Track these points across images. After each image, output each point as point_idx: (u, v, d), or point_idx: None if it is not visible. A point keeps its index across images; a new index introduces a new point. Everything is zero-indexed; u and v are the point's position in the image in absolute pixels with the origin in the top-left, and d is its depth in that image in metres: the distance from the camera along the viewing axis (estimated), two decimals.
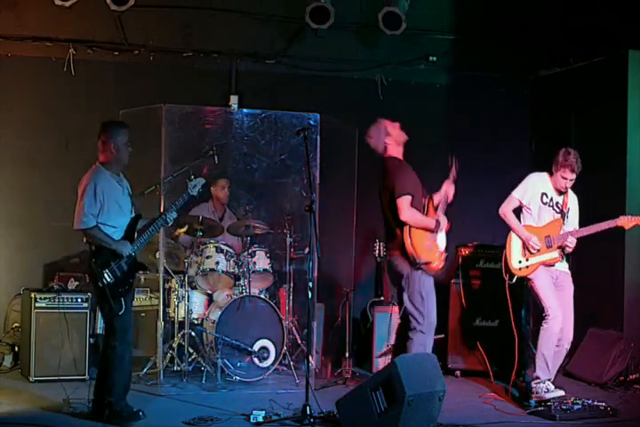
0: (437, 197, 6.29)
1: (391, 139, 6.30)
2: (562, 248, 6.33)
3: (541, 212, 6.42)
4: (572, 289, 6.44)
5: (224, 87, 8.16)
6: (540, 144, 8.54)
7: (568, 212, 6.42)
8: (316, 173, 6.68)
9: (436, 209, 6.23)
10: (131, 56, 7.94)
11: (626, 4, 7.59)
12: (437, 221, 6.13)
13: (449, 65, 8.66)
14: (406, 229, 6.05)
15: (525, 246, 6.36)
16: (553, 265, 6.37)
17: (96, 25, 7.78)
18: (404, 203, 6.04)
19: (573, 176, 6.30)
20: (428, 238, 6.11)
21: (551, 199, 6.41)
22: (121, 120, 5.99)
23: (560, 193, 6.41)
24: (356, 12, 8.25)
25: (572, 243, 6.28)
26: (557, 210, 6.41)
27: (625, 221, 6.26)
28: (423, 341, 6.14)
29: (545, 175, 6.46)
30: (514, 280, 6.37)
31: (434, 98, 8.64)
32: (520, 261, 6.36)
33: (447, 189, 6.29)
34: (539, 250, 6.31)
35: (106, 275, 5.47)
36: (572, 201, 6.50)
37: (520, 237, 6.38)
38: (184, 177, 7.20)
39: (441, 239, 6.20)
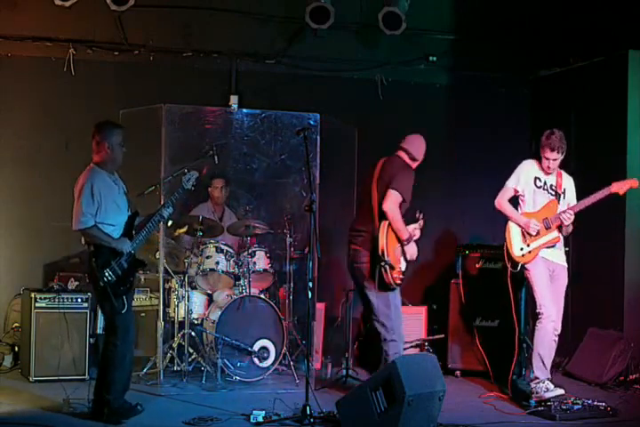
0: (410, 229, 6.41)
1: (419, 156, 6.56)
2: (560, 228, 6.35)
3: (536, 196, 6.44)
4: (565, 282, 6.45)
5: (224, 87, 8.15)
6: (539, 144, 8.52)
7: (564, 192, 6.45)
8: (315, 173, 6.68)
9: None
10: (131, 56, 7.94)
11: (626, 4, 7.59)
12: (410, 236, 6.23)
13: (449, 65, 8.66)
14: (385, 224, 6.15)
15: (525, 233, 6.38)
16: (554, 246, 6.37)
17: (96, 25, 7.77)
18: (393, 196, 6.15)
19: (555, 156, 6.32)
20: (397, 251, 6.23)
21: (544, 182, 6.45)
22: (114, 121, 5.96)
23: (547, 174, 6.44)
24: (356, 12, 8.25)
25: (568, 218, 6.28)
26: (552, 192, 6.45)
27: (618, 187, 6.27)
28: (397, 349, 6.21)
29: (534, 161, 6.52)
30: (518, 268, 6.38)
31: (434, 98, 8.64)
32: (522, 248, 6.38)
33: (414, 232, 6.42)
34: (539, 232, 6.32)
35: (107, 274, 5.48)
36: (567, 181, 6.53)
37: (519, 225, 6.40)
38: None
39: (403, 263, 6.30)
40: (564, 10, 8.34)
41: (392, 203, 6.14)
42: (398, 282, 6.21)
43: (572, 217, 6.29)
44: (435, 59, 8.52)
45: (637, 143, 7.50)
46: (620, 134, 7.51)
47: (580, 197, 6.50)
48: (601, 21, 7.97)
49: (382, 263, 6.09)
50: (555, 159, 6.35)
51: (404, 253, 6.29)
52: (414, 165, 6.52)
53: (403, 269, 6.28)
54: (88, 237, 5.58)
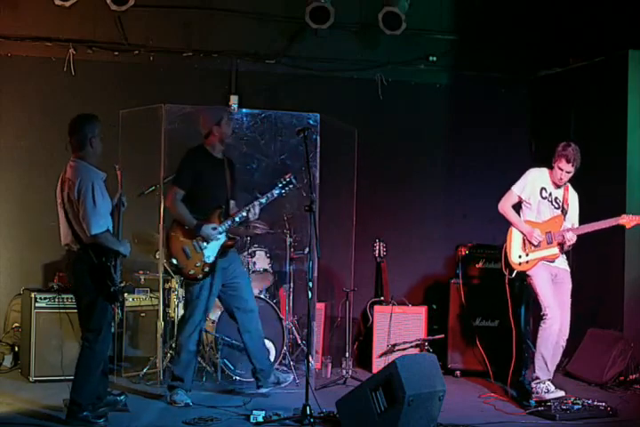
0: (237, 214, 6.25)
1: (218, 130, 6.31)
2: (561, 244, 6.34)
3: (540, 206, 6.43)
4: (570, 286, 6.44)
5: (224, 87, 8.16)
6: (540, 144, 8.53)
7: (568, 208, 6.43)
8: (315, 173, 6.68)
9: (220, 219, 6.22)
10: (131, 56, 7.94)
11: (626, 4, 7.59)
12: (198, 224, 6.10)
13: (449, 65, 8.65)
14: (172, 223, 6.21)
15: (526, 241, 6.37)
16: (553, 261, 6.37)
17: (96, 25, 7.78)
18: (170, 192, 6.22)
19: (569, 168, 6.29)
20: (189, 244, 6.15)
21: (550, 194, 6.43)
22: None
23: (557, 186, 6.42)
24: (356, 12, 8.25)
25: (571, 239, 6.27)
26: (557, 205, 6.42)
27: (626, 220, 6.27)
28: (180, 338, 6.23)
29: (544, 170, 6.48)
30: (513, 275, 6.38)
31: (434, 98, 8.63)
32: (520, 256, 6.38)
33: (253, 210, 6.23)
34: (539, 244, 6.31)
35: (116, 278, 5.43)
36: (573, 198, 6.51)
37: (521, 232, 6.39)
38: None
39: (210, 250, 6.17)
40: (564, 9, 8.34)
41: (168, 200, 6.25)
42: (195, 277, 6.13)
43: (575, 239, 6.27)
44: (435, 59, 8.51)
45: (637, 143, 7.50)
46: (620, 134, 7.51)
47: (581, 202, 6.51)
48: (601, 21, 7.97)
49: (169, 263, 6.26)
50: (568, 172, 6.31)
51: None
52: (210, 140, 6.33)
53: (207, 260, 6.13)
54: (102, 240, 5.39)
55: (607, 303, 7.56)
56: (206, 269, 6.15)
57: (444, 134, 8.62)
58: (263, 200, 6.21)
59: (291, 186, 6.14)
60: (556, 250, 6.35)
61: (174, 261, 6.18)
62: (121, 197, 5.71)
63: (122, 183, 5.80)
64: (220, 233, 6.19)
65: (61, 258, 7.49)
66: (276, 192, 6.21)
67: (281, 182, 6.20)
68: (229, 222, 6.21)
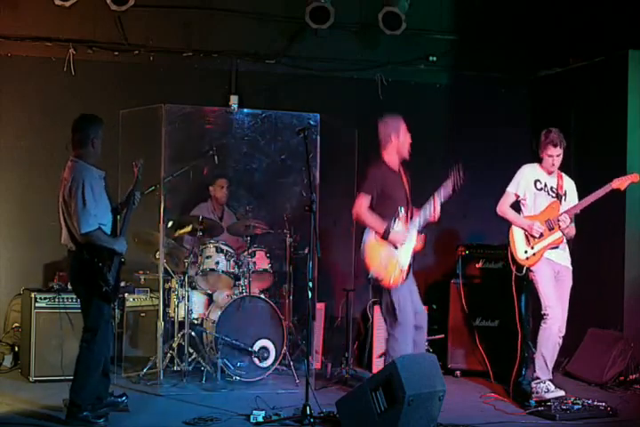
0: (418, 212, 6.32)
1: (387, 139, 6.39)
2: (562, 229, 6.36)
3: (537, 198, 6.45)
4: (570, 284, 6.44)
5: (224, 87, 8.16)
6: (539, 145, 8.52)
7: (565, 194, 6.45)
8: (315, 173, 6.68)
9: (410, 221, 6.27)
10: (131, 56, 7.94)
11: (626, 4, 7.60)
12: (387, 227, 6.15)
13: (449, 65, 8.66)
14: (366, 236, 6.23)
15: (528, 236, 6.38)
16: (558, 246, 6.37)
17: (96, 25, 7.78)
18: (357, 200, 6.25)
19: (558, 151, 6.33)
20: (385, 253, 6.18)
21: (545, 184, 6.46)
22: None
23: (550, 173, 6.44)
24: (356, 12, 8.26)
25: (564, 220, 6.27)
26: (553, 194, 6.44)
27: (619, 183, 6.26)
28: (395, 345, 6.21)
29: (535, 165, 6.52)
30: (523, 272, 6.38)
31: (434, 98, 8.64)
32: (526, 251, 6.38)
33: (434, 205, 6.28)
34: (542, 234, 6.32)
35: (110, 278, 5.42)
36: (568, 183, 6.53)
37: (522, 228, 6.40)
38: (184, 177, 7.23)
39: (404, 256, 6.22)
40: (564, 9, 8.34)
41: (357, 206, 6.26)
42: (398, 283, 6.18)
43: (568, 220, 6.28)
44: (435, 59, 8.52)
45: (637, 143, 7.50)
46: (620, 134, 7.51)
47: (581, 197, 6.50)
48: (601, 21, 7.97)
49: (367, 278, 6.26)
50: (558, 155, 6.36)
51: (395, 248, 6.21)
52: (388, 150, 6.42)
53: (403, 266, 6.20)
54: (94, 239, 5.40)
55: (607, 303, 7.55)
56: (402, 275, 6.18)
57: (444, 134, 8.62)
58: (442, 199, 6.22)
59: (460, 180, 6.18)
60: (559, 234, 6.36)
61: (372, 275, 6.21)
62: (132, 194, 5.71)
63: (137, 179, 5.82)
64: (410, 233, 6.22)
65: (62, 258, 7.53)
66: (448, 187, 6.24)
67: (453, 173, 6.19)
68: (418, 221, 6.25)
